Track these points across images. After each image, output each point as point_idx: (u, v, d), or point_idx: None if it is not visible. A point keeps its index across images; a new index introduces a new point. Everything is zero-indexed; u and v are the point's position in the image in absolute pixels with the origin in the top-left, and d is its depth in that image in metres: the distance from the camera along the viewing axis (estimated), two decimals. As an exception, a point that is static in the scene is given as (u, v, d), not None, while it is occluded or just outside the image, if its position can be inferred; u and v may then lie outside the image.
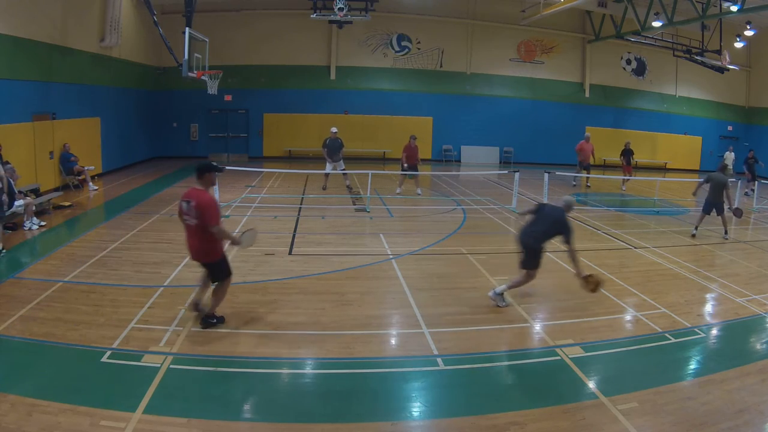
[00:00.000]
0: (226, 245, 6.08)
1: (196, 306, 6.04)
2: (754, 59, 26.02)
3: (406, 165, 15.05)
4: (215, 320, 6.04)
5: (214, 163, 5.91)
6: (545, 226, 6.64)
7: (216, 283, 5.99)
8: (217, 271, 5.93)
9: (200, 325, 5.96)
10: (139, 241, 9.61)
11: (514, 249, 10.08)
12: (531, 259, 6.72)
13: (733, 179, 17.92)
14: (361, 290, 7.39)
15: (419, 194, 15.48)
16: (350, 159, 21.35)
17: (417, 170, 15.32)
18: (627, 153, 18.13)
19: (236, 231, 10.41)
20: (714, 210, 11.33)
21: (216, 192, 12.65)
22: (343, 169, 15.58)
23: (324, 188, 15.53)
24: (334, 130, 15.50)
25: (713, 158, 26.70)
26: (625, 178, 18.12)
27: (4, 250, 8.55)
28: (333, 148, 15.26)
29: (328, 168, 15.38)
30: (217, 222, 5.61)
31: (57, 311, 6.29)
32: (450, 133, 24.51)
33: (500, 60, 24.71)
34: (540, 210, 6.91)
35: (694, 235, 11.34)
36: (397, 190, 15.48)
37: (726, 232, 11.48)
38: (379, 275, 8.13)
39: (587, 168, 17.71)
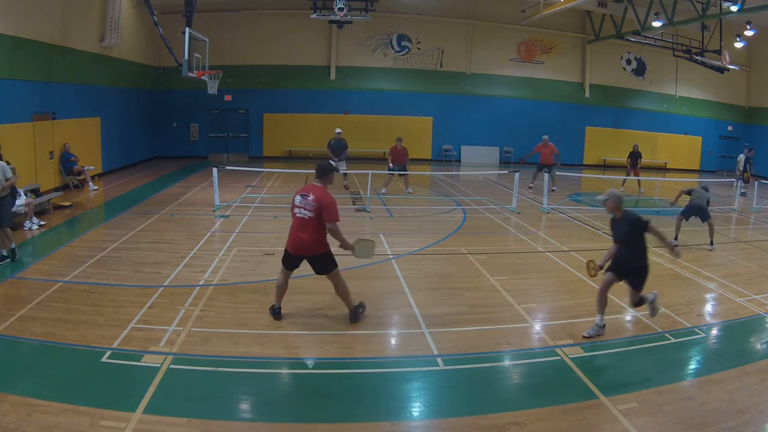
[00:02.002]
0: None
1: (278, 311, 6.31)
2: (754, 59, 26.01)
3: (391, 165, 15.28)
4: (361, 310, 6.41)
5: (333, 165, 6.26)
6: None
7: (329, 279, 6.24)
8: (324, 263, 6.16)
9: (351, 321, 6.26)
10: (139, 241, 9.61)
11: (514, 249, 10.15)
12: None
13: (733, 179, 17.96)
14: (361, 290, 7.37)
15: (410, 192, 15.58)
16: (350, 159, 21.38)
17: (406, 170, 15.45)
18: (634, 156, 17.83)
19: (235, 231, 10.44)
20: (698, 217, 10.39)
21: (216, 191, 12.70)
22: (344, 170, 15.64)
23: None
24: (338, 131, 15.65)
25: (713, 158, 26.75)
26: (626, 178, 17.92)
27: (14, 247, 8.52)
28: (338, 149, 15.37)
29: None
30: (338, 219, 5.99)
31: (57, 311, 6.29)
32: (450, 133, 24.50)
33: (500, 60, 24.70)
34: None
35: (676, 246, 10.57)
36: (383, 191, 15.46)
37: (712, 243, 10.40)
38: (379, 275, 8.13)
39: (548, 170, 16.01)
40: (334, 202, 6.03)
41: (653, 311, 6.33)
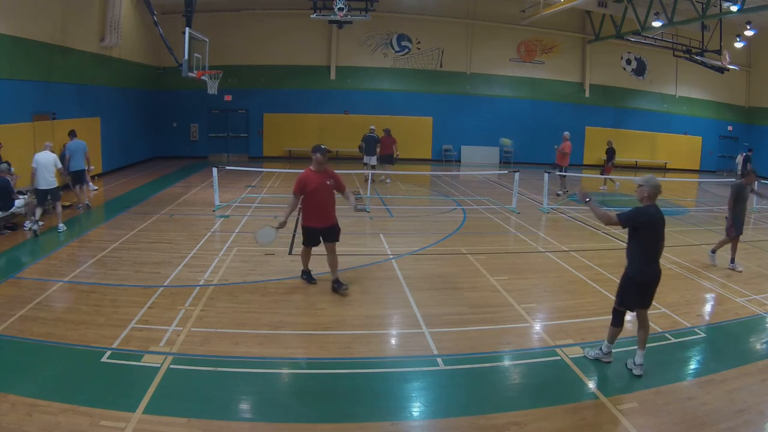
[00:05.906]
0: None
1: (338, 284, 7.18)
2: (754, 59, 26.02)
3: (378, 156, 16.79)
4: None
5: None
6: None
7: (332, 248, 7.23)
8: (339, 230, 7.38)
9: (341, 292, 7.09)
10: (139, 241, 9.61)
11: (514, 249, 10.14)
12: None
13: (733, 178, 17.93)
14: (361, 290, 7.39)
15: (388, 182, 16.78)
16: (351, 159, 21.41)
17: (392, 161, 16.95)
18: (610, 152, 17.57)
19: (235, 231, 10.45)
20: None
21: (216, 191, 12.70)
22: (374, 166, 16.78)
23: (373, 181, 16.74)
24: (372, 127, 17.13)
25: (713, 158, 26.74)
26: (607, 177, 17.85)
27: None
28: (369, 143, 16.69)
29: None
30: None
31: (57, 311, 6.29)
32: (450, 133, 24.52)
33: (500, 60, 24.72)
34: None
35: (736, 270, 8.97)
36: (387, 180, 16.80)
37: (733, 260, 9.03)
38: (379, 275, 8.13)
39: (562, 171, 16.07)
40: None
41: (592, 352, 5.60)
